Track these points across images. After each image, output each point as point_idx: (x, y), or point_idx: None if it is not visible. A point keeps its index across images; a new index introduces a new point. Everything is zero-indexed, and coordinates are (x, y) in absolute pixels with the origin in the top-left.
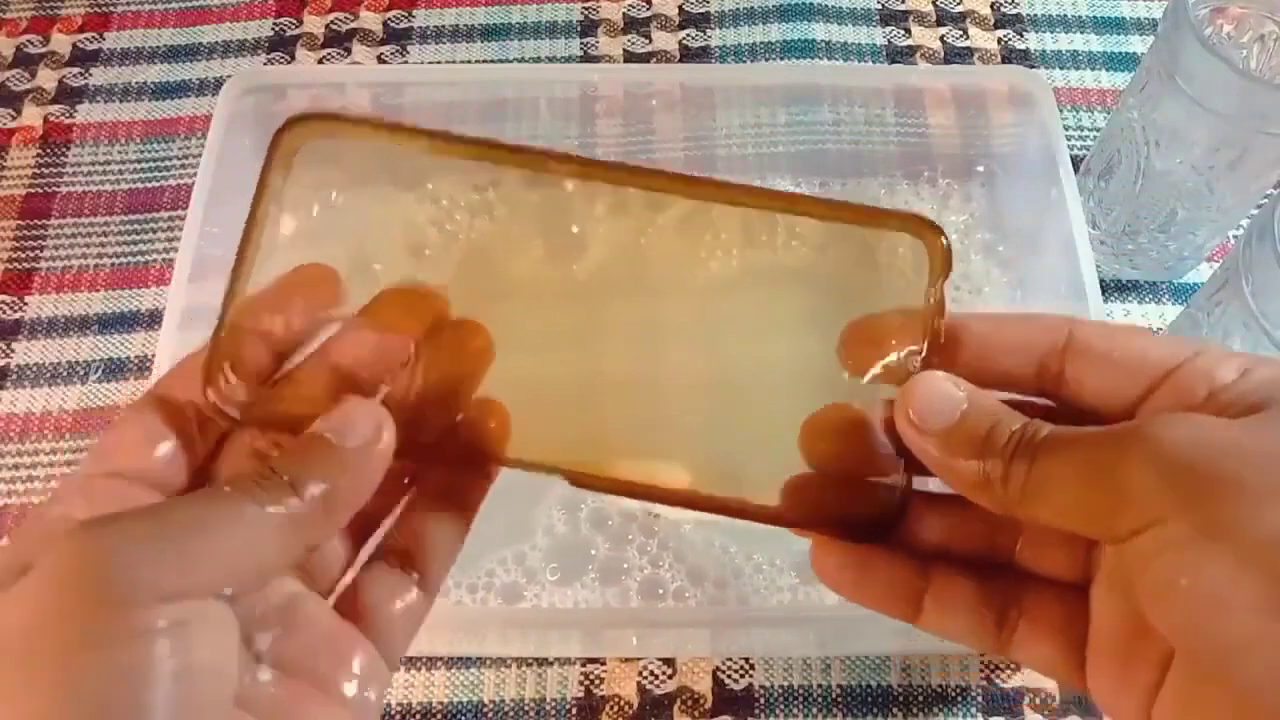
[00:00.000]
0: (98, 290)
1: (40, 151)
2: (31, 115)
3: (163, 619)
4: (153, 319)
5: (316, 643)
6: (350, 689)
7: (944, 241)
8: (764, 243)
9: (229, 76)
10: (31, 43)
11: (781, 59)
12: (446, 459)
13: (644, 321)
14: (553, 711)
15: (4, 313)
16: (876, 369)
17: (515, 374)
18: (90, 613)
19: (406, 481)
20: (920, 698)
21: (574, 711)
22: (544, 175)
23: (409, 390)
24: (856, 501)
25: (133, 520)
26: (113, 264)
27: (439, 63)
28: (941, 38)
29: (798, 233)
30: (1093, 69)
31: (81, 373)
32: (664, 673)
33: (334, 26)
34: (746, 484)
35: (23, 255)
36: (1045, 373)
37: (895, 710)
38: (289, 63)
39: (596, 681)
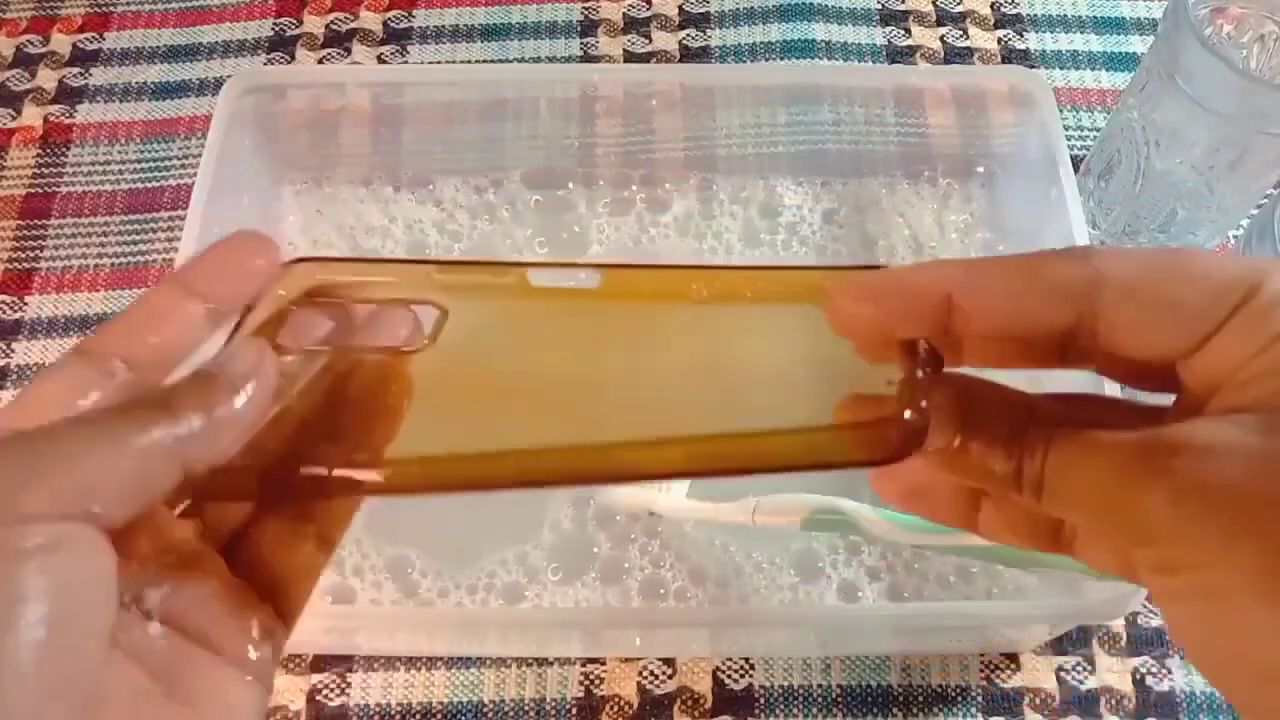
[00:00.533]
0: (98, 290)
1: (40, 151)
2: (31, 115)
3: (27, 539)
4: None
5: (209, 599)
6: (245, 647)
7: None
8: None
9: (229, 76)
10: (31, 43)
11: (781, 59)
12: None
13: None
14: (553, 711)
15: (4, 313)
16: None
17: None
18: None
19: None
20: (920, 698)
21: (574, 711)
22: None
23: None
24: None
25: (9, 442)
26: (113, 264)
27: (439, 63)
28: (941, 38)
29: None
30: (1093, 69)
31: None
32: (664, 673)
33: (334, 26)
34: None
35: (23, 255)
36: (1073, 334)
37: (895, 710)
38: (289, 63)
39: (596, 681)
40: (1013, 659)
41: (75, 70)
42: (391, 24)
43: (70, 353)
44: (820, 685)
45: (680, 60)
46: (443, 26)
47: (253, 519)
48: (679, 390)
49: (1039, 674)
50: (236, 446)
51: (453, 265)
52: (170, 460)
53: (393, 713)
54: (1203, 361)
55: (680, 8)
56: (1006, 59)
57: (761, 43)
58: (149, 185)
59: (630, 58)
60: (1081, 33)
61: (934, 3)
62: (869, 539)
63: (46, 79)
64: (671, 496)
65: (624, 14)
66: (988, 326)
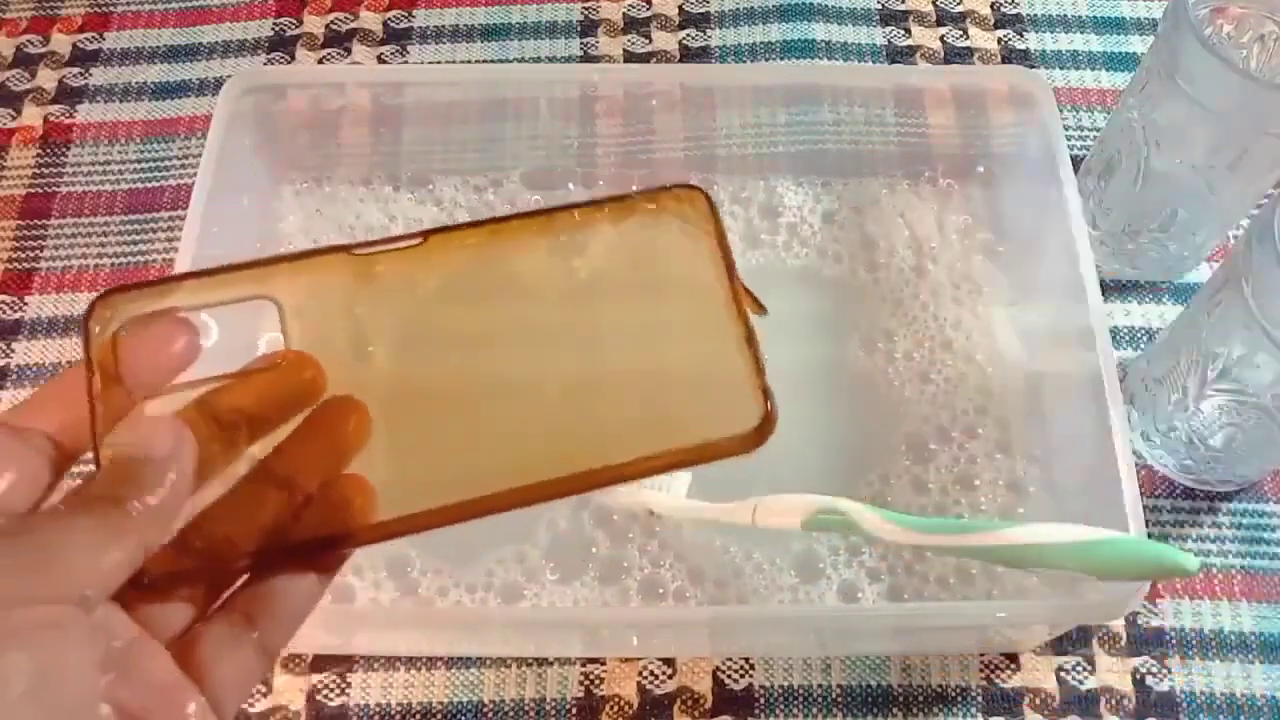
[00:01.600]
0: (98, 290)
1: (40, 151)
2: (31, 115)
3: (22, 622)
4: None
5: (151, 688)
6: None
7: (709, 199)
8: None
9: (229, 76)
10: (31, 43)
11: (781, 59)
12: (302, 549)
13: (516, 356)
14: (553, 711)
15: (4, 313)
16: None
17: (385, 434)
18: None
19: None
20: (920, 698)
21: (574, 711)
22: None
23: (273, 470)
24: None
25: None
26: (113, 264)
27: (439, 63)
28: (941, 38)
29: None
30: (1093, 69)
31: None
32: (664, 672)
33: (334, 26)
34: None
35: (23, 255)
36: None
37: (895, 710)
38: (289, 63)
39: (596, 681)
40: (1013, 659)
41: (75, 70)
42: (391, 24)
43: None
44: (820, 685)
45: (680, 60)
46: (443, 26)
47: (199, 616)
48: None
49: (1039, 674)
50: (180, 521)
51: (273, 261)
52: (129, 543)
53: (393, 712)
54: None
55: (680, 8)
56: (1006, 59)
57: (761, 43)
58: (149, 185)
59: (630, 58)
60: (1081, 33)
61: (934, 3)
62: (869, 539)
63: (46, 79)
64: (671, 496)
65: (624, 14)
66: None
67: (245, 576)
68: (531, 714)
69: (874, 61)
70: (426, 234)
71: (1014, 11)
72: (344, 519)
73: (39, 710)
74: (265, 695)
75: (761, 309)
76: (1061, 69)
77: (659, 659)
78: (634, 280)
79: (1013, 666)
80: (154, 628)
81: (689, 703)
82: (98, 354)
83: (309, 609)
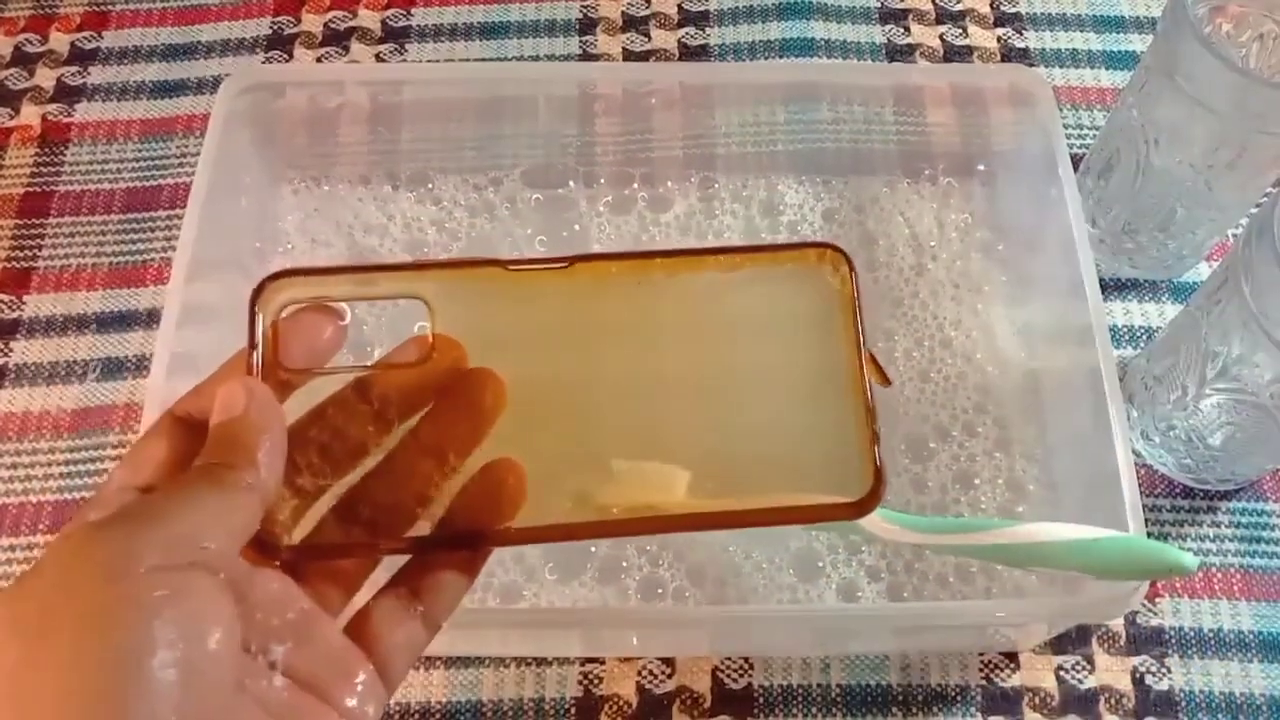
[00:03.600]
0: (96, 289)
1: (38, 150)
2: (29, 114)
3: (155, 589)
4: (151, 318)
5: (324, 657)
6: (351, 702)
7: (849, 263)
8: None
9: (227, 75)
10: (29, 41)
11: (781, 57)
12: (452, 540)
13: (641, 388)
14: (552, 711)
15: (2, 311)
16: None
17: (512, 443)
18: (90, 588)
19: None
20: (919, 697)
21: (573, 711)
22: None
23: (421, 443)
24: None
25: (118, 513)
26: (111, 263)
27: (437, 61)
28: (941, 36)
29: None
30: (1092, 68)
31: (80, 372)
32: (663, 672)
33: (332, 25)
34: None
35: (21, 254)
36: None
37: (894, 710)
38: (287, 61)
39: (596, 681)
40: (1012, 658)
41: (73, 69)
42: (390, 22)
43: (166, 418)
44: (820, 685)
45: (679, 58)
46: (441, 25)
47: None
48: (670, 375)
49: (1038, 673)
50: (280, 477)
51: (428, 265)
52: (249, 498)
53: (392, 712)
54: None
55: (679, 6)
56: (1006, 57)
57: (761, 41)
58: (147, 184)
59: (629, 56)
60: (1081, 31)
61: (933, 1)
62: (869, 539)
63: (44, 78)
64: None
65: (623, 12)
66: None
67: (409, 558)
68: (530, 714)
69: (873, 60)
70: (574, 259)
71: (1013, 10)
72: (498, 500)
73: (183, 680)
74: None
75: (886, 381)
76: (1061, 67)
77: (658, 658)
78: (765, 332)
79: (1012, 666)
80: (325, 604)
81: (688, 702)
82: (262, 335)
83: (464, 590)
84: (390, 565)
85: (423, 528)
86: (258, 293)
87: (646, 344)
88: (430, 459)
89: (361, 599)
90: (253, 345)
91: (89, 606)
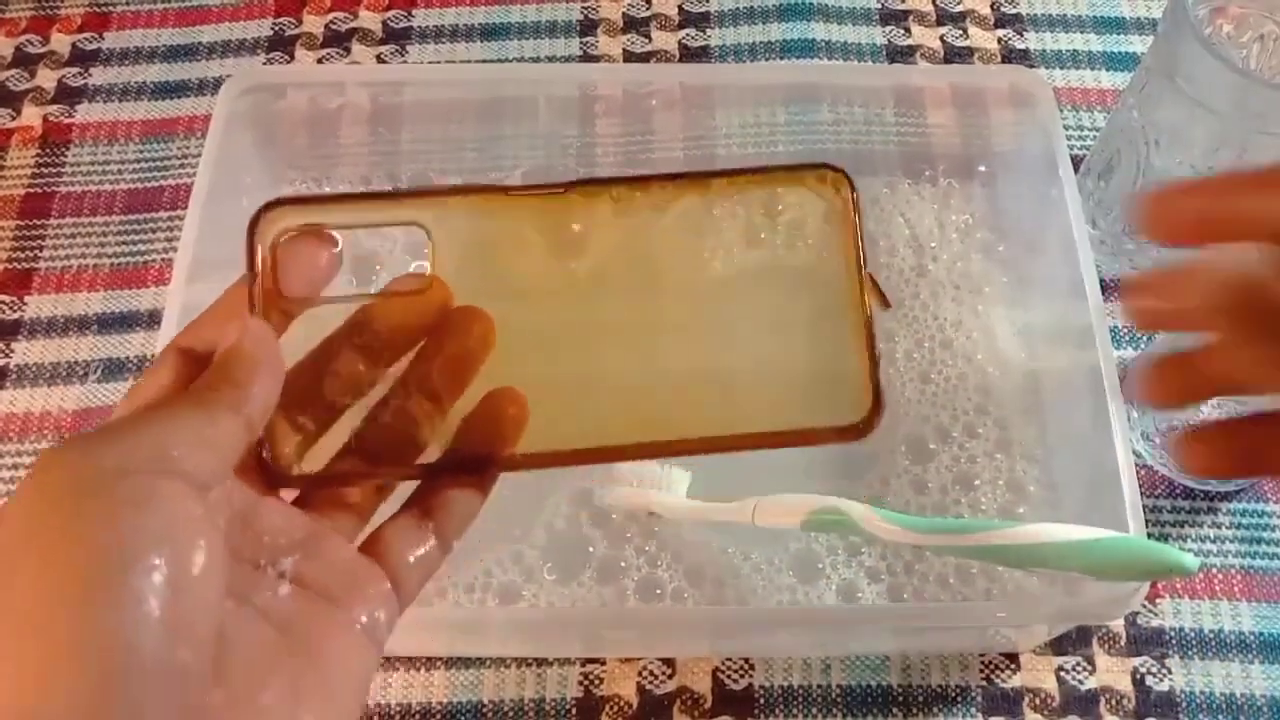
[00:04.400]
0: (97, 290)
1: (39, 151)
2: (31, 115)
3: (123, 493)
4: (152, 319)
5: (336, 568)
6: (362, 610)
7: (851, 184)
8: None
9: (228, 76)
10: (31, 42)
11: (781, 58)
12: (456, 466)
13: (642, 317)
14: (552, 712)
15: (3, 312)
16: None
17: (514, 374)
18: (61, 501)
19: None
20: (920, 698)
21: (574, 712)
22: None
23: (414, 381)
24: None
25: (100, 429)
26: (112, 264)
27: (438, 62)
28: (941, 37)
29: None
30: (1093, 69)
31: (81, 373)
32: (664, 673)
33: (333, 26)
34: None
35: (22, 255)
36: None
37: (895, 710)
38: (288, 62)
39: (596, 681)
40: (1013, 659)
41: (74, 70)
42: (391, 24)
43: (170, 350)
44: (820, 685)
45: (680, 60)
46: (442, 26)
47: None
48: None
49: (1039, 674)
50: (269, 407)
51: (428, 191)
52: (233, 421)
53: (392, 713)
54: None
55: (680, 7)
56: (1006, 59)
57: (761, 42)
58: (148, 185)
59: (630, 57)
60: (1081, 32)
61: (934, 2)
62: (868, 539)
63: (46, 79)
64: (671, 496)
65: (623, 13)
66: None
67: (418, 483)
68: (531, 714)
69: (874, 61)
70: (572, 184)
71: (1014, 11)
72: (501, 426)
73: (165, 585)
74: None
75: (886, 304)
76: (1061, 69)
77: (658, 659)
78: (764, 255)
79: (1013, 666)
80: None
81: (689, 703)
82: (260, 262)
83: (476, 510)
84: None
85: (430, 456)
86: (255, 221)
87: (647, 271)
88: (426, 395)
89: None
90: (252, 273)
91: (60, 519)
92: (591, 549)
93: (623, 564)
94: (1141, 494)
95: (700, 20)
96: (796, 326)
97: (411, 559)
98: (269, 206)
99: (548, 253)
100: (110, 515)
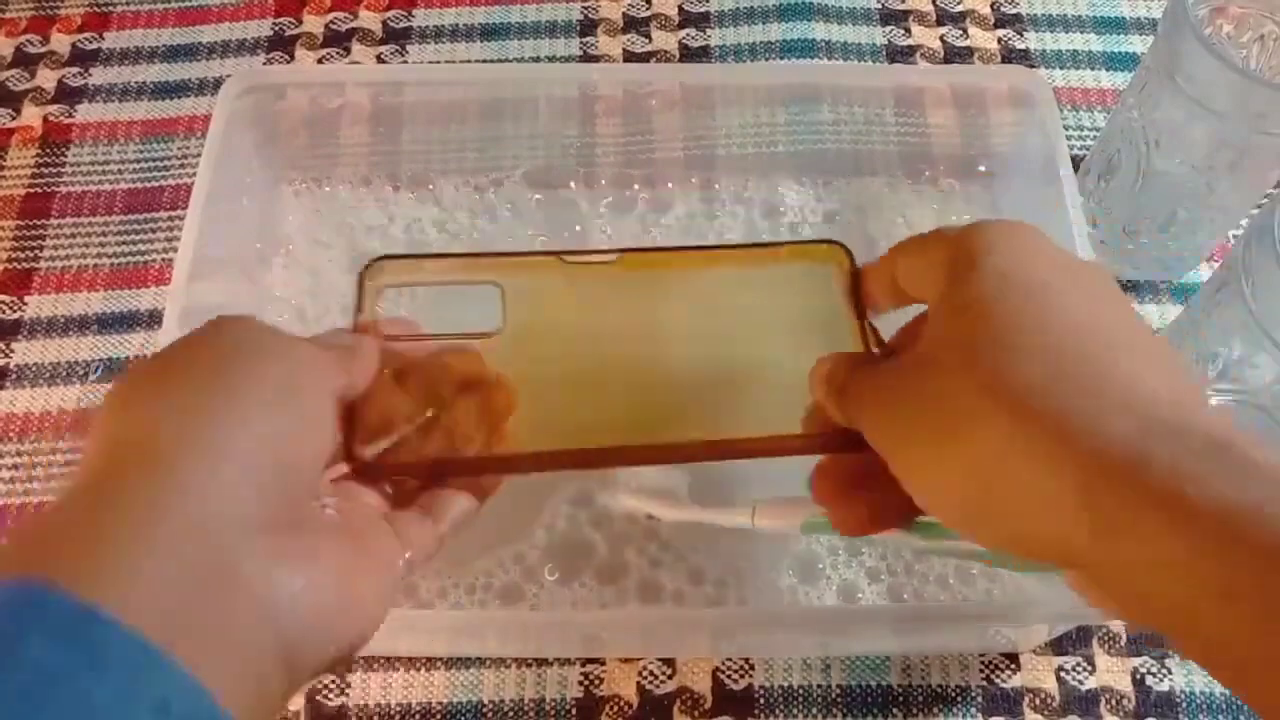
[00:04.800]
0: (97, 290)
1: (40, 151)
2: (31, 115)
3: (267, 337)
4: (152, 319)
5: (365, 515)
6: (397, 536)
7: (849, 255)
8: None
9: (228, 76)
10: (31, 42)
11: (781, 59)
12: (460, 465)
13: (664, 350)
14: (552, 712)
15: (3, 312)
16: None
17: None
18: (209, 334)
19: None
20: (920, 698)
21: (574, 712)
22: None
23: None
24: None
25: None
26: (112, 264)
27: (438, 62)
28: (941, 37)
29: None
30: (1093, 69)
31: (81, 372)
32: (664, 673)
33: (333, 26)
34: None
35: (22, 255)
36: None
37: (895, 710)
38: (288, 62)
39: (596, 682)
40: (1013, 659)
41: (74, 70)
42: (391, 23)
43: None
44: (820, 685)
45: (680, 60)
46: (442, 26)
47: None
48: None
49: (1039, 674)
50: (368, 376)
51: (501, 255)
52: (349, 374)
53: (392, 713)
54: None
55: (680, 7)
56: (1006, 59)
57: (761, 42)
58: (148, 185)
59: (630, 57)
60: (1081, 32)
61: (934, 2)
62: (869, 540)
63: (46, 79)
64: (671, 499)
65: (623, 13)
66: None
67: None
68: (531, 714)
69: (874, 61)
70: (622, 251)
71: (1014, 11)
72: (490, 414)
73: (285, 403)
74: None
75: (883, 345)
76: (1061, 69)
77: (659, 659)
78: (779, 306)
79: (1013, 666)
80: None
81: (689, 703)
82: (368, 307)
83: (468, 516)
84: None
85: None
86: (363, 273)
87: (681, 320)
88: (447, 438)
89: None
90: (359, 312)
91: (207, 346)
92: (593, 550)
93: (624, 565)
94: None
95: (700, 20)
96: (800, 334)
97: (414, 539)
98: (374, 263)
99: (590, 309)
100: (252, 343)
